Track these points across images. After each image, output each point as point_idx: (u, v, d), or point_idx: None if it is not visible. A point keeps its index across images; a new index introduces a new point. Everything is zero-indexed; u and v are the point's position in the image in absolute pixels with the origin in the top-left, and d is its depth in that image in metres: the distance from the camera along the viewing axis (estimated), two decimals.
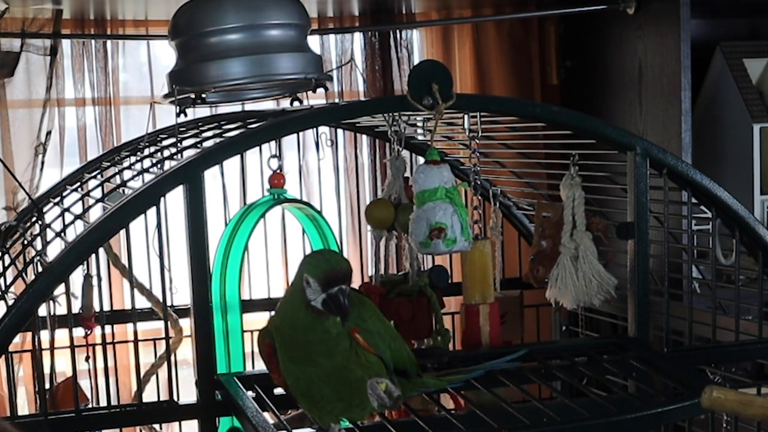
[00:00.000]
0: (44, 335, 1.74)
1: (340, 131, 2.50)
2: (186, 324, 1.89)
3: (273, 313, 1.39)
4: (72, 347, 1.56)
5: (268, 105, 2.45)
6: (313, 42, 2.56)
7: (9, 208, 2.45)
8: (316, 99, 2.23)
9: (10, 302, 1.53)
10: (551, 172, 2.15)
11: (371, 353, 1.36)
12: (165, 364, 1.70)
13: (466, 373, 1.60)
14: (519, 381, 1.63)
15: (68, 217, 1.82)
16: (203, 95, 1.97)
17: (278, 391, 1.57)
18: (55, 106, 2.55)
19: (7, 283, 1.84)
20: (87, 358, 2.07)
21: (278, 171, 2.03)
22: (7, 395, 1.91)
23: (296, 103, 2.05)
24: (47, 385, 1.83)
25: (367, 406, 1.37)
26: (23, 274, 1.72)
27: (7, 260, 1.96)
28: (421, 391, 1.51)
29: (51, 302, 1.81)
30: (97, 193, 1.93)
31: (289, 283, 1.38)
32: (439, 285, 1.89)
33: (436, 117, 1.59)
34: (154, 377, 2.08)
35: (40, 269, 1.59)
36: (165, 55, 2.59)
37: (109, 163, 2.16)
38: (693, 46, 2.39)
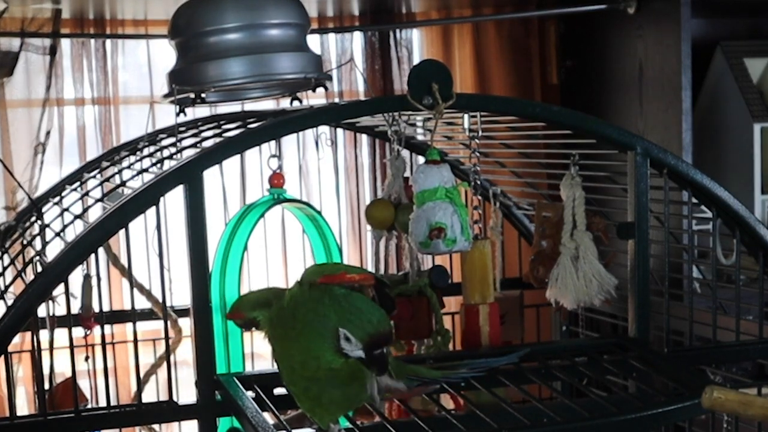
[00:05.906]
0: (44, 335, 1.74)
1: (340, 131, 2.50)
2: (186, 324, 1.88)
3: (270, 310, 1.34)
4: (71, 347, 1.56)
5: (268, 105, 2.45)
6: (313, 42, 2.56)
7: (8, 207, 2.45)
8: (316, 99, 2.23)
9: (10, 302, 1.52)
10: (551, 172, 2.15)
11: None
12: (165, 364, 1.70)
13: (462, 367, 1.59)
14: (519, 381, 1.63)
15: (68, 217, 1.82)
16: (203, 95, 1.97)
17: (278, 391, 1.57)
18: (55, 106, 2.54)
19: (7, 283, 1.84)
20: (86, 358, 2.07)
21: (278, 171, 2.02)
22: (7, 395, 1.90)
23: (296, 103, 2.04)
24: (47, 386, 1.83)
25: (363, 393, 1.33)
26: (22, 274, 1.71)
27: (7, 260, 1.96)
28: (414, 381, 1.49)
29: (50, 302, 1.81)
30: (97, 193, 1.93)
31: (294, 293, 1.30)
32: (439, 285, 1.89)
33: (436, 117, 1.59)
34: (153, 377, 2.08)
35: (39, 269, 1.59)
36: (165, 55, 2.59)
37: (108, 163, 2.16)
38: (693, 46, 2.39)
